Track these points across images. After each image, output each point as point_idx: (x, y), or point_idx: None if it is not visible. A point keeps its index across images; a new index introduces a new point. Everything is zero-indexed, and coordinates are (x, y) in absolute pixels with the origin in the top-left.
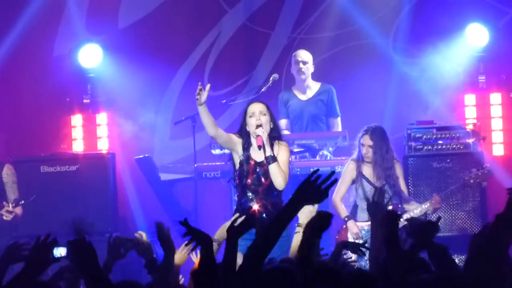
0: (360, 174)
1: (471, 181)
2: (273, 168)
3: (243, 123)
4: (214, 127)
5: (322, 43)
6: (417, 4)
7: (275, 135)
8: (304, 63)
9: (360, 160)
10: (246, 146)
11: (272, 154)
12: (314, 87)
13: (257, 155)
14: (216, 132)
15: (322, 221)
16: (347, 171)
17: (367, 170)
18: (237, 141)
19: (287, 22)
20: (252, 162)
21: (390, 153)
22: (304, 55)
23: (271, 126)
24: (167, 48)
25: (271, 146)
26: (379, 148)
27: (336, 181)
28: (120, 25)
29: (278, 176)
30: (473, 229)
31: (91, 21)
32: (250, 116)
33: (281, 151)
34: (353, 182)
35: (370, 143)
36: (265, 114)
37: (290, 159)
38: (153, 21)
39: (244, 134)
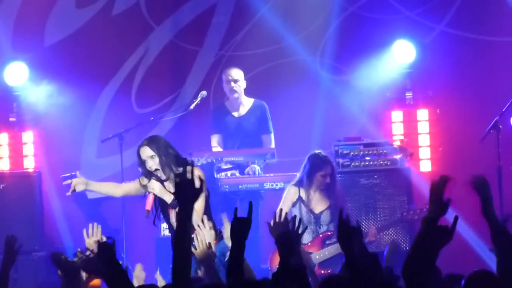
0: (299, 199)
1: (409, 217)
2: None
3: (142, 170)
4: (117, 189)
5: (250, 60)
6: (344, 21)
7: (171, 167)
8: (235, 81)
9: (301, 185)
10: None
11: (173, 200)
12: (247, 103)
13: (166, 196)
14: (123, 191)
15: (242, 226)
16: (288, 196)
17: (306, 196)
18: (146, 182)
19: (215, 39)
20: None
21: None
22: (234, 73)
23: (162, 165)
24: (94, 66)
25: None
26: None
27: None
28: (46, 42)
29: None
30: (401, 245)
31: (17, 39)
32: (142, 164)
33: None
34: (293, 205)
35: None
36: (153, 157)
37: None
38: (79, 38)
39: (148, 175)
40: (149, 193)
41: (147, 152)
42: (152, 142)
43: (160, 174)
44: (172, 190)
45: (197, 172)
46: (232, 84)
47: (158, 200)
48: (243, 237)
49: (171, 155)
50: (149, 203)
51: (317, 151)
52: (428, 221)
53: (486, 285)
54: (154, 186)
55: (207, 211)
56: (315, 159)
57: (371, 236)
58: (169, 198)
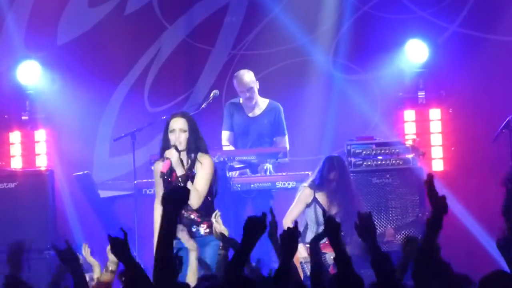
0: (314, 199)
1: (425, 218)
2: None
3: (165, 138)
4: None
5: (263, 60)
6: (357, 20)
7: (198, 147)
8: (249, 89)
9: (315, 187)
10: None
11: (184, 173)
12: (262, 104)
13: (179, 168)
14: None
15: (255, 226)
16: (302, 197)
17: (322, 197)
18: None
19: (228, 39)
20: (174, 175)
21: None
22: (246, 80)
23: (188, 142)
24: (106, 65)
25: (194, 159)
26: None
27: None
28: (59, 41)
29: (192, 198)
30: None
31: (30, 38)
32: (171, 132)
33: (201, 166)
34: (307, 206)
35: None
36: (185, 131)
37: (211, 173)
38: (92, 37)
39: (165, 149)
40: (167, 158)
41: (180, 124)
42: (188, 117)
43: (172, 151)
44: (186, 165)
45: (207, 159)
46: (247, 94)
47: (167, 174)
48: (254, 237)
49: (199, 137)
50: (165, 166)
51: (331, 155)
52: (432, 221)
53: (502, 286)
54: (173, 155)
55: (211, 197)
56: (326, 163)
57: (389, 236)
58: (180, 171)
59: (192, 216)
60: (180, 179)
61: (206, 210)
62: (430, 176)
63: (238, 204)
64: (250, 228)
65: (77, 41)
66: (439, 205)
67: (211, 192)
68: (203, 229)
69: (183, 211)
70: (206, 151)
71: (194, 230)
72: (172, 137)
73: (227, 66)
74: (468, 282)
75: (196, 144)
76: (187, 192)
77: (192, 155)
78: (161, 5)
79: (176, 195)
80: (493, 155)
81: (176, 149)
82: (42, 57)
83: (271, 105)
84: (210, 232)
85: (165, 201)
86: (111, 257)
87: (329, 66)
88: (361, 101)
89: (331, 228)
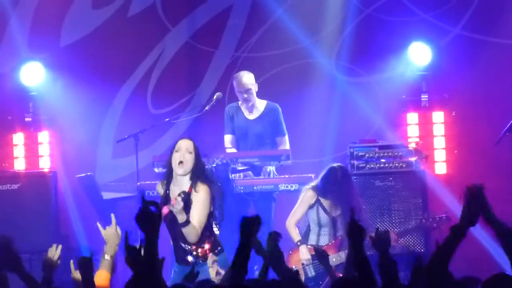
0: (317, 201)
1: (428, 224)
2: (185, 231)
3: (170, 161)
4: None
5: (266, 62)
6: (360, 23)
7: (197, 175)
8: (247, 90)
9: (318, 191)
10: (167, 183)
11: (185, 220)
12: (260, 106)
13: (180, 216)
14: None
15: (250, 225)
16: (305, 198)
17: (325, 199)
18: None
19: (231, 41)
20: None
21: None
22: (245, 82)
23: (193, 166)
24: (109, 66)
25: (193, 186)
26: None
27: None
28: (63, 43)
29: (190, 236)
30: (416, 247)
31: (33, 39)
32: (176, 151)
33: (196, 197)
34: (310, 207)
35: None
36: (190, 153)
37: (207, 205)
38: (96, 39)
39: (168, 171)
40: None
41: (188, 145)
42: (194, 142)
43: (178, 201)
44: (176, 183)
45: (204, 189)
46: (245, 95)
47: (170, 215)
48: (250, 233)
49: (202, 163)
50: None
51: (336, 165)
52: (458, 229)
53: None
54: (178, 205)
55: (208, 227)
56: (329, 175)
57: (391, 241)
58: (182, 218)
59: (189, 247)
60: (181, 224)
61: (202, 237)
62: (481, 188)
63: (241, 206)
64: (245, 226)
65: (81, 43)
66: (475, 218)
67: (210, 221)
68: (200, 256)
69: (180, 243)
70: (208, 181)
71: (190, 259)
72: (176, 156)
73: (230, 68)
74: (474, 282)
75: (201, 170)
76: (156, 214)
77: (195, 181)
78: (164, 7)
79: (145, 217)
80: (496, 158)
81: (182, 198)
82: (46, 59)
83: (269, 106)
84: (205, 259)
85: (137, 223)
86: (110, 240)
87: (332, 68)
88: (364, 104)
89: (355, 233)
